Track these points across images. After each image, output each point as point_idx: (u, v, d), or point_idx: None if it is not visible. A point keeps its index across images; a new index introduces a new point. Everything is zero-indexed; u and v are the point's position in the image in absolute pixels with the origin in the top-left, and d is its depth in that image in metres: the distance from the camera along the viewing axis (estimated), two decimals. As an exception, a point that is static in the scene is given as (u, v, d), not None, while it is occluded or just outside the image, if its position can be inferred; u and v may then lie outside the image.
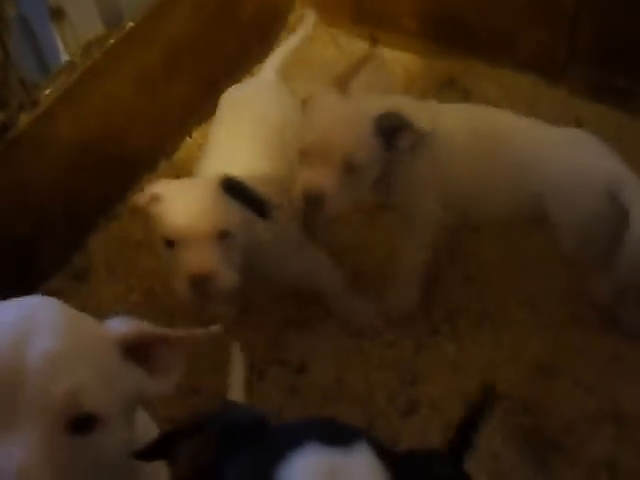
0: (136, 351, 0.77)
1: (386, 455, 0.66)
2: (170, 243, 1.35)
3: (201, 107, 2.15)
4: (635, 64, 2.00)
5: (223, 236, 1.34)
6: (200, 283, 1.30)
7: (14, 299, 0.77)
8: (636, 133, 1.94)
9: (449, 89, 2.18)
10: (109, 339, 0.75)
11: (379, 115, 1.43)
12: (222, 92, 2.17)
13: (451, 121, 1.51)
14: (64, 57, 1.86)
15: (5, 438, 0.62)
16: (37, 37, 1.92)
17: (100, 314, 1.53)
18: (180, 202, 1.35)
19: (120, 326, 0.78)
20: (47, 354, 0.66)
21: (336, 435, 0.65)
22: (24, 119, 1.69)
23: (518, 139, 1.49)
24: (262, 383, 1.56)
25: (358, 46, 2.33)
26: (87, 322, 0.77)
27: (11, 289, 1.67)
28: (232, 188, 1.37)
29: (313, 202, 1.41)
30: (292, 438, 0.64)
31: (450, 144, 1.49)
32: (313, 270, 1.57)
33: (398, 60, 2.27)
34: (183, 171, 2.02)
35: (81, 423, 0.66)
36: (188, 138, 2.12)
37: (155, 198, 1.37)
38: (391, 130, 1.43)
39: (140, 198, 1.39)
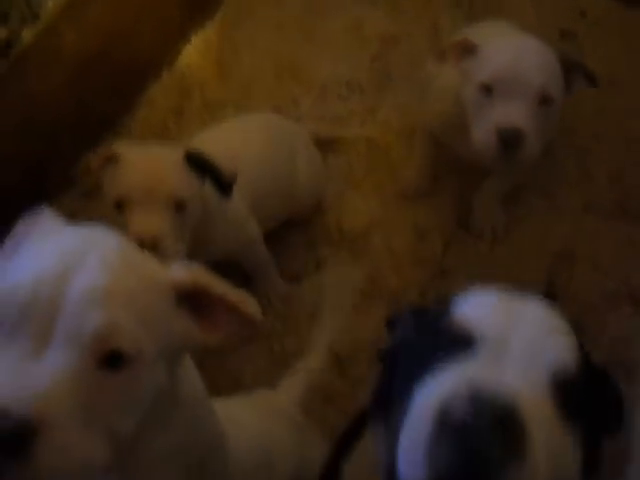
0: (191, 297, 0.81)
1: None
2: (119, 205, 1.36)
3: (200, 10, 2.27)
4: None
5: (178, 206, 1.37)
6: (147, 248, 1.18)
7: (78, 228, 0.84)
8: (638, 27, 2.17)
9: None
10: (164, 283, 0.79)
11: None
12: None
13: None
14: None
15: (33, 366, 0.67)
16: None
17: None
18: (141, 163, 1.37)
19: (181, 271, 0.81)
20: (90, 288, 0.71)
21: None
22: (27, 33, 1.76)
23: None
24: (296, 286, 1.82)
25: None
26: (143, 263, 0.80)
27: (19, 208, 1.84)
28: (195, 161, 1.41)
29: (512, 142, 1.44)
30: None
31: None
32: (251, 242, 1.66)
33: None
34: (185, 80, 2.18)
35: (112, 360, 0.71)
36: (188, 45, 2.23)
37: (113, 158, 1.39)
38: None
39: (97, 158, 1.40)
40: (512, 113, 1.44)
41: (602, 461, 0.76)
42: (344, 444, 0.99)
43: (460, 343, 0.71)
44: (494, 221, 1.87)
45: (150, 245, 1.30)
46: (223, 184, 1.41)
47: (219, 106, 2.14)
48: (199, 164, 1.40)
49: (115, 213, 1.37)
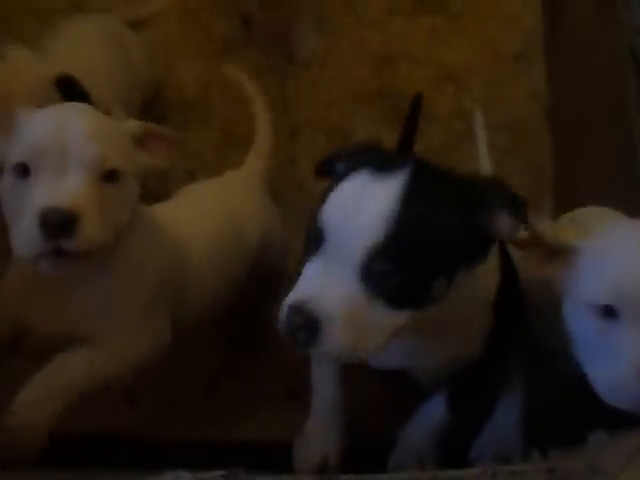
0: (141, 141, 1.19)
1: (439, 178, 0.98)
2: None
3: None
4: None
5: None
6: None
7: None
8: None
9: None
10: (124, 129, 1.16)
11: None
12: None
13: None
14: None
15: (61, 181, 1.02)
16: None
17: None
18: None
19: (132, 124, 1.19)
20: (84, 132, 1.06)
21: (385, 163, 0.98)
22: None
23: None
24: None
25: None
26: (109, 119, 1.17)
27: None
28: (67, 86, 1.46)
29: None
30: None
31: None
32: None
33: None
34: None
35: (109, 176, 1.07)
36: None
37: None
38: None
39: None
40: None
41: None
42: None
43: (319, 238, 0.97)
44: (313, 45, 2.12)
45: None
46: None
47: (12, 16, 2.17)
48: (69, 89, 1.47)
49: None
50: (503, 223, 0.98)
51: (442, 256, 0.96)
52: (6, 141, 1.09)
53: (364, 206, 0.93)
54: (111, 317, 1.20)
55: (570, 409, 1.35)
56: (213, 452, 1.56)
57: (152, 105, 2.03)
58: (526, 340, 1.31)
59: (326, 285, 0.95)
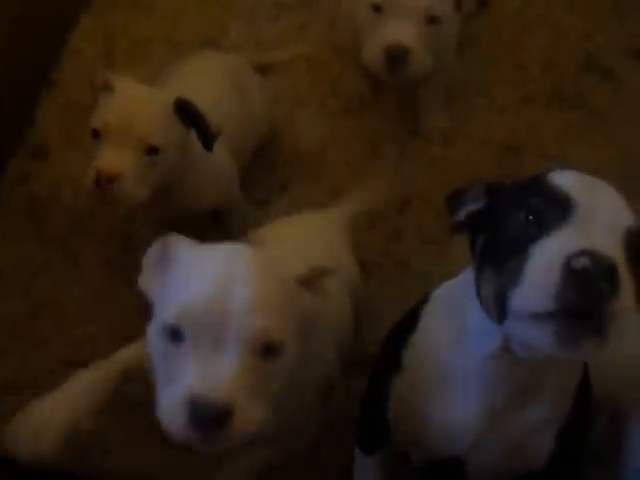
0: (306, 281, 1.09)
1: None
2: (96, 134, 1.45)
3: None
4: None
5: (150, 150, 1.44)
6: (104, 183, 1.41)
7: (216, 248, 1.06)
8: None
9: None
10: (291, 275, 1.05)
11: None
12: None
13: None
14: None
15: (216, 360, 0.93)
16: None
17: (69, 184, 1.87)
18: (126, 100, 1.45)
19: (302, 270, 1.08)
20: (252, 298, 0.95)
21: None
22: None
23: None
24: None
25: None
26: (277, 267, 1.05)
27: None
28: (185, 110, 1.48)
29: (398, 59, 1.68)
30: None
31: None
32: (233, 191, 1.78)
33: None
34: (107, 21, 2.26)
35: (267, 350, 0.97)
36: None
37: (109, 87, 1.46)
38: None
39: (100, 78, 1.49)
40: (399, 32, 1.67)
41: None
42: (400, 334, 1.20)
43: (561, 205, 0.93)
44: (441, 124, 2.06)
45: (108, 182, 1.41)
46: (208, 137, 1.49)
47: (146, 42, 2.21)
48: (188, 113, 1.48)
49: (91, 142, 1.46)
50: None
51: None
52: (160, 276, 1.06)
53: (602, 188, 0.97)
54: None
55: None
56: None
57: (264, 151, 2.01)
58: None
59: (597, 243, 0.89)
